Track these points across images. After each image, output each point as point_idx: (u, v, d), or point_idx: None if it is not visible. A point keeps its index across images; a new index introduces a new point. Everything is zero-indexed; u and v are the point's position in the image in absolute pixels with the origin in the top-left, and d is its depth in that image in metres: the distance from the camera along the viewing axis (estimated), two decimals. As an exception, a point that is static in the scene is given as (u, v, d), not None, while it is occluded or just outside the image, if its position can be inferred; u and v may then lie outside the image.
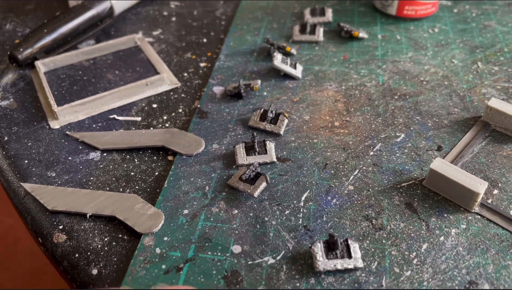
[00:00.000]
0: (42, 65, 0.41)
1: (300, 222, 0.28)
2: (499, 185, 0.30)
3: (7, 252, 0.95)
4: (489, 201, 0.29)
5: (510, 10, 0.47)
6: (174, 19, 0.49)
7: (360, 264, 0.25)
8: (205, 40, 0.46)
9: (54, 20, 0.44)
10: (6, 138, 0.36)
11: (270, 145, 0.32)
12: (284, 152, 0.33)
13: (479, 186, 0.27)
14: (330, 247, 0.26)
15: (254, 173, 0.30)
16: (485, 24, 0.45)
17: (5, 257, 0.94)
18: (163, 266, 0.26)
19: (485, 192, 0.29)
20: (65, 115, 0.37)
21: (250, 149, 0.32)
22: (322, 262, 0.25)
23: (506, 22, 0.45)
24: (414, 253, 0.26)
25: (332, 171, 0.31)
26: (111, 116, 0.37)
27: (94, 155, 0.34)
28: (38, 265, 0.92)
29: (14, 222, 1.02)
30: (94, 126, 0.36)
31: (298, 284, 0.25)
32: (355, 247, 0.26)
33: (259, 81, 0.38)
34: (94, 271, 0.27)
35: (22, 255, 0.96)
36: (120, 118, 0.37)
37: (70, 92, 0.40)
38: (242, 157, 0.32)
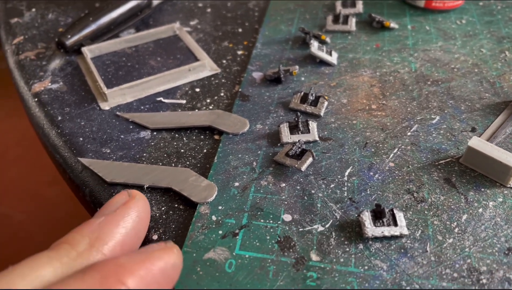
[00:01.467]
0: (88, 51, 0.44)
1: (345, 194, 0.30)
2: (533, 163, 0.31)
3: (19, 249, 0.95)
4: (524, 177, 0.31)
5: (535, 3, 0.49)
6: (209, 10, 0.51)
7: (405, 231, 0.27)
8: (240, 30, 0.48)
9: (98, 10, 0.46)
10: (59, 118, 0.38)
11: (313, 125, 0.34)
12: (326, 132, 0.35)
13: (516, 161, 0.29)
14: (377, 216, 0.27)
15: (300, 149, 0.32)
16: (511, 17, 0.47)
17: (18, 253, 0.95)
18: (220, 232, 0.28)
19: (519, 169, 0.31)
20: (114, 97, 0.39)
21: (293, 128, 0.34)
22: (370, 229, 0.27)
23: (532, 14, 0.47)
24: (455, 223, 0.28)
25: (373, 150, 0.33)
26: (158, 99, 0.39)
27: (145, 134, 0.36)
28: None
29: (27, 216, 1.03)
30: (142, 108, 0.38)
31: (347, 249, 0.27)
32: (400, 216, 0.28)
33: (297, 67, 0.40)
34: (155, 237, 0.29)
35: (35, 251, 0.98)
36: (166, 100, 0.39)
37: (116, 76, 0.42)
38: (286, 136, 0.34)
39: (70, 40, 0.44)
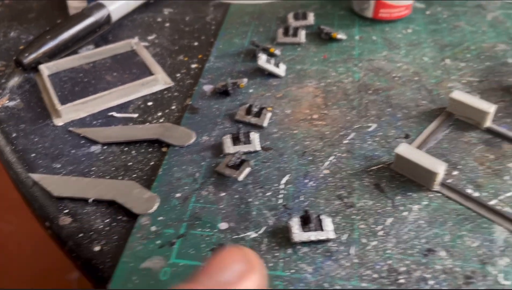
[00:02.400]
0: (45, 69, 0.45)
1: (280, 202, 0.32)
2: (459, 167, 0.33)
3: (8, 260, 0.96)
4: (449, 181, 0.32)
5: (479, 11, 0.51)
6: (167, 24, 0.53)
7: (331, 235, 0.29)
8: (196, 43, 0.49)
9: (56, 28, 0.47)
10: (14, 135, 0.39)
11: (254, 136, 0.36)
12: (268, 142, 0.36)
13: (438, 167, 0.31)
14: (305, 222, 0.29)
15: (239, 160, 0.33)
16: (455, 25, 0.49)
17: (6, 263, 0.96)
18: (158, 242, 0.29)
19: (445, 173, 0.33)
20: (68, 113, 0.40)
21: (236, 140, 0.35)
22: (298, 234, 0.29)
23: (474, 22, 0.49)
24: (380, 226, 0.30)
25: (310, 158, 0.35)
26: (110, 114, 0.41)
27: (95, 148, 0.37)
28: (40, 271, 0.94)
29: (16, 227, 1.04)
30: (94, 122, 0.40)
31: (277, 254, 0.28)
32: (327, 222, 0.29)
33: (245, 80, 0.42)
34: (97, 248, 0.30)
35: (24, 261, 0.98)
36: (118, 115, 0.40)
37: (72, 92, 0.43)
38: (229, 147, 0.35)
39: (28, 58, 0.45)
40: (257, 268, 0.20)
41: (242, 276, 0.19)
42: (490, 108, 0.35)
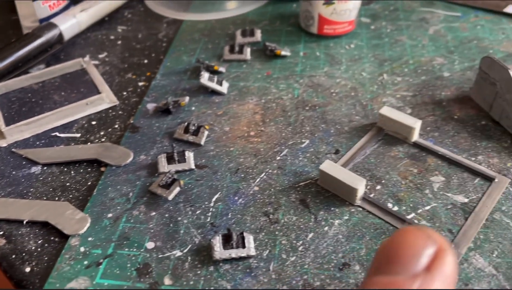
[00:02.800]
0: (-7, 90, 0.46)
1: (208, 220, 0.33)
2: (383, 181, 0.35)
3: None
4: (372, 195, 0.34)
5: (421, 25, 0.53)
6: (119, 42, 0.54)
7: (252, 252, 0.30)
8: (146, 61, 0.50)
9: (5, 48, 0.48)
10: (-43, 157, 0.40)
11: (189, 154, 0.37)
12: (203, 160, 0.37)
13: (358, 183, 0.32)
14: (227, 239, 0.30)
15: (170, 179, 0.34)
16: (397, 39, 0.50)
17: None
18: (85, 262, 0.30)
19: (369, 187, 0.34)
20: (12, 134, 0.41)
21: (170, 159, 0.36)
22: (219, 252, 0.30)
23: (416, 36, 0.51)
24: (301, 242, 0.31)
25: (242, 175, 0.36)
26: (53, 134, 0.41)
27: (36, 169, 0.38)
28: None
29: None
30: (38, 143, 0.41)
31: (199, 272, 0.29)
32: (249, 239, 0.30)
33: (187, 98, 0.43)
34: (27, 269, 0.31)
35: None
36: (61, 135, 0.41)
37: (19, 113, 0.44)
38: (163, 166, 0.36)
39: (-24, 79, 0.46)
40: (447, 245, 0.18)
41: (440, 261, 0.17)
42: (415, 123, 0.37)
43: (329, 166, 0.33)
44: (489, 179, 0.34)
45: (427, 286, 0.16)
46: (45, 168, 0.38)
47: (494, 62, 0.38)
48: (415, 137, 0.37)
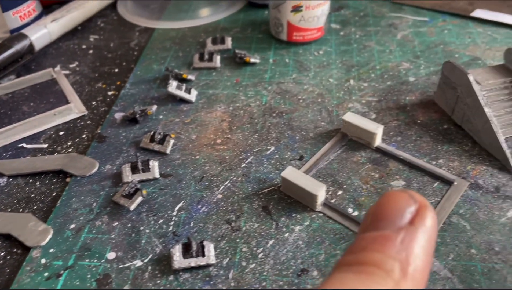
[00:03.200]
0: (-39, 101, 0.45)
1: (170, 229, 0.33)
2: (344, 186, 0.35)
3: None
4: (333, 200, 0.34)
5: (390, 30, 0.53)
6: (91, 51, 0.54)
7: (212, 261, 0.30)
8: (116, 70, 0.51)
9: (-26, 59, 0.48)
10: None
11: (154, 164, 0.37)
12: (168, 169, 0.38)
13: (318, 189, 0.33)
14: (187, 248, 0.30)
15: (133, 189, 0.34)
16: (365, 45, 0.51)
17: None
18: (46, 274, 0.30)
19: (330, 193, 0.35)
20: (-22, 146, 0.41)
21: (134, 168, 0.37)
22: (178, 261, 0.30)
23: (384, 41, 0.51)
24: (261, 249, 0.31)
25: (207, 183, 0.36)
26: (20, 145, 0.41)
27: (1, 181, 0.38)
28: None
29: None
30: (4, 154, 0.41)
31: (159, 282, 0.30)
32: (209, 247, 0.31)
33: (154, 107, 0.43)
34: (-13, 283, 0.31)
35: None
36: (28, 146, 0.41)
37: (-13, 124, 0.44)
38: (127, 176, 0.36)
39: None
40: (427, 203, 0.19)
41: (421, 216, 0.19)
42: (377, 129, 0.37)
43: (290, 173, 0.34)
44: (448, 183, 0.35)
45: (411, 237, 0.18)
46: (10, 179, 0.38)
47: (454, 67, 0.39)
48: (378, 142, 0.38)
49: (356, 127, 0.38)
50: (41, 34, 0.52)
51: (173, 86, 0.44)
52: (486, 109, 0.37)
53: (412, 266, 0.17)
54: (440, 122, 0.40)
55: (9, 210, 0.36)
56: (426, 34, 0.52)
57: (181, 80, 0.47)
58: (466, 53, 0.49)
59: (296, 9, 0.48)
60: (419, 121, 0.41)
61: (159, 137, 0.39)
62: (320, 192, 0.32)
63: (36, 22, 0.54)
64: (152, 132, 0.40)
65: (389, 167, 0.36)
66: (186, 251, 0.30)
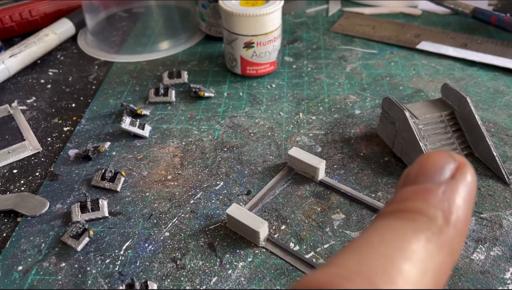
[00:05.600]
0: None
1: (117, 268, 0.34)
2: (288, 221, 0.37)
3: None
4: (276, 235, 0.35)
5: (340, 63, 0.56)
6: (49, 86, 0.55)
7: (155, 300, 0.31)
8: (74, 105, 0.51)
9: None
10: None
11: (103, 202, 0.38)
12: (118, 207, 0.38)
13: (260, 225, 0.34)
14: (131, 289, 0.31)
15: (81, 229, 0.35)
16: (316, 78, 0.53)
17: None
18: (-11, 319, 0.31)
19: (274, 228, 0.36)
20: None
21: (84, 207, 0.37)
22: (122, 302, 0.31)
23: (334, 74, 0.54)
24: (204, 287, 0.32)
25: (155, 221, 0.37)
26: (-29, 185, 0.42)
27: (-50, 222, 0.38)
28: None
29: None
30: (-45, 194, 0.41)
31: (102, 323, 0.30)
32: (153, 287, 0.32)
33: (107, 144, 0.44)
34: None
35: None
36: (-21, 185, 0.41)
37: None
38: (76, 215, 0.37)
39: None
40: (467, 161, 0.19)
41: (461, 171, 0.19)
42: (320, 163, 0.39)
43: (234, 210, 0.35)
44: (386, 215, 0.37)
45: (452, 189, 0.18)
46: (-40, 221, 0.38)
47: (392, 103, 0.41)
48: (321, 176, 0.40)
49: (301, 161, 0.40)
50: (-1, 69, 0.53)
51: (126, 123, 0.45)
52: (421, 143, 0.39)
53: (455, 216, 0.18)
54: (382, 155, 0.42)
55: (-43, 252, 0.36)
56: (374, 66, 0.55)
57: (136, 115, 0.48)
58: (410, 86, 0.51)
59: (248, 45, 0.50)
60: (361, 154, 0.43)
61: (110, 175, 0.40)
62: (262, 228, 0.34)
63: (-6, 57, 0.54)
64: (103, 170, 0.40)
65: (331, 201, 0.38)
66: (130, 292, 0.31)
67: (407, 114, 0.40)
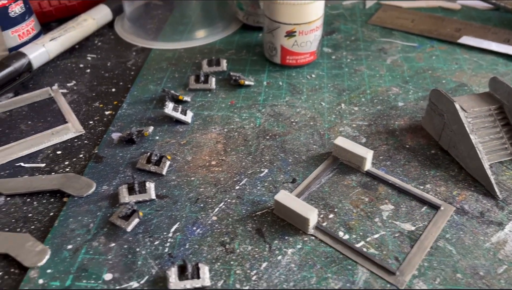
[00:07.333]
0: (-42, 119, 0.46)
1: (166, 250, 0.34)
2: (335, 210, 0.36)
3: None
4: (324, 224, 0.35)
5: (380, 55, 0.55)
6: (88, 70, 0.55)
7: (207, 283, 0.31)
8: (113, 89, 0.52)
9: (-27, 77, 0.49)
10: None
11: (150, 185, 0.38)
12: (164, 190, 0.38)
13: (310, 212, 0.34)
14: (182, 270, 0.31)
15: (130, 210, 0.35)
16: (356, 69, 0.53)
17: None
18: (43, 295, 0.31)
19: (322, 216, 0.36)
20: (-24, 164, 0.42)
21: (131, 189, 0.37)
22: (174, 283, 0.31)
23: (374, 66, 0.53)
24: (255, 271, 0.32)
25: (202, 205, 0.37)
26: (18, 164, 0.42)
27: (-2, 200, 0.39)
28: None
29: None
30: (2, 173, 0.41)
31: (154, 303, 0.30)
32: (204, 269, 0.31)
33: (151, 128, 0.44)
34: (-15, 303, 0.31)
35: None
36: (25, 165, 0.42)
37: (-16, 142, 0.45)
38: (124, 197, 0.37)
39: None
40: None
41: None
42: (367, 153, 0.39)
43: (283, 196, 0.35)
44: (435, 207, 0.36)
45: None
46: (8, 199, 0.39)
47: (441, 95, 0.41)
48: (368, 166, 0.39)
49: (347, 151, 0.39)
50: (39, 52, 0.53)
51: (169, 108, 0.45)
52: (471, 136, 0.38)
53: None
54: (428, 147, 0.42)
55: (6, 229, 0.36)
56: (415, 59, 0.54)
57: (177, 101, 0.48)
58: (453, 79, 0.51)
59: (290, 34, 0.50)
60: (407, 146, 0.42)
61: (155, 158, 0.40)
62: (312, 216, 0.34)
63: (35, 41, 0.55)
64: (149, 153, 0.41)
65: (378, 191, 0.38)
66: (182, 273, 0.31)
67: (457, 106, 0.39)
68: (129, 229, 0.34)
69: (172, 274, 0.31)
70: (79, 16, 0.60)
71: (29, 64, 0.52)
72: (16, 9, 0.53)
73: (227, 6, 0.64)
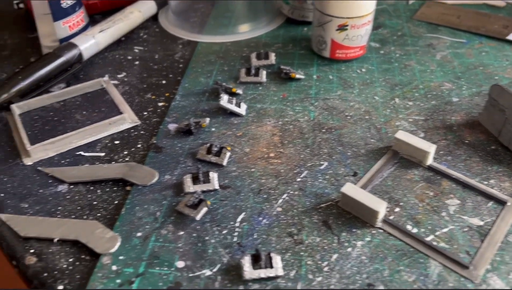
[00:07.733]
0: (17, 108, 0.47)
1: (235, 239, 0.34)
2: (401, 204, 0.36)
3: None
4: (391, 217, 0.35)
5: (429, 50, 0.55)
6: (137, 62, 0.55)
7: (280, 272, 0.31)
8: (164, 81, 0.52)
9: (28, 68, 0.49)
10: (-17, 175, 0.40)
11: (213, 175, 0.38)
12: (226, 181, 0.39)
13: (379, 205, 0.34)
14: (256, 259, 0.31)
15: (197, 199, 0.36)
16: (406, 64, 0.53)
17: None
18: (118, 281, 0.31)
19: (388, 209, 0.36)
20: (37, 152, 0.42)
21: (196, 179, 0.38)
22: (249, 272, 0.31)
23: (424, 61, 0.53)
24: (326, 262, 0.32)
25: (265, 196, 0.37)
26: (78, 153, 0.42)
27: (62, 188, 0.39)
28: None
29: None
30: (62, 161, 0.42)
31: (229, 291, 0.31)
32: (276, 259, 0.32)
33: (207, 119, 0.44)
34: (60, 287, 0.32)
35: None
36: (85, 154, 0.42)
37: (42, 131, 0.45)
38: (188, 186, 0.37)
39: (0, 98, 0.47)
40: None
41: None
42: (430, 147, 0.38)
43: (350, 189, 0.35)
44: (501, 203, 0.36)
45: None
46: (71, 186, 0.39)
47: (503, 90, 0.40)
48: (430, 161, 0.39)
49: (409, 145, 0.39)
50: (90, 44, 0.54)
51: (224, 100, 0.45)
52: (535, 132, 0.38)
53: None
54: (487, 143, 0.41)
55: (73, 216, 0.37)
56: (464, 55, 0.54)
57: (230, 93, 0.48)
58: (505, 76, 0.50)
59: (342, 28, 0.50)
60: (466, 141, 0.42)
61: (215, 149, 0.40)
62: (381, 208, 0.34)
63: (84, 32, 0.55)
64: (209, 144, 0.41)
65: (442, 186, 0.38)
66: (255, 262, 0.31)
67: (521, 102, 0.39)
68: (198, 217, 0.35)
69: (246, 263, 0.31)
70: (125, 8, 0.60)
71: (80, 55, 0.53)
72: (68, 0, 0.54)
73: (272, 0, 0.64)
